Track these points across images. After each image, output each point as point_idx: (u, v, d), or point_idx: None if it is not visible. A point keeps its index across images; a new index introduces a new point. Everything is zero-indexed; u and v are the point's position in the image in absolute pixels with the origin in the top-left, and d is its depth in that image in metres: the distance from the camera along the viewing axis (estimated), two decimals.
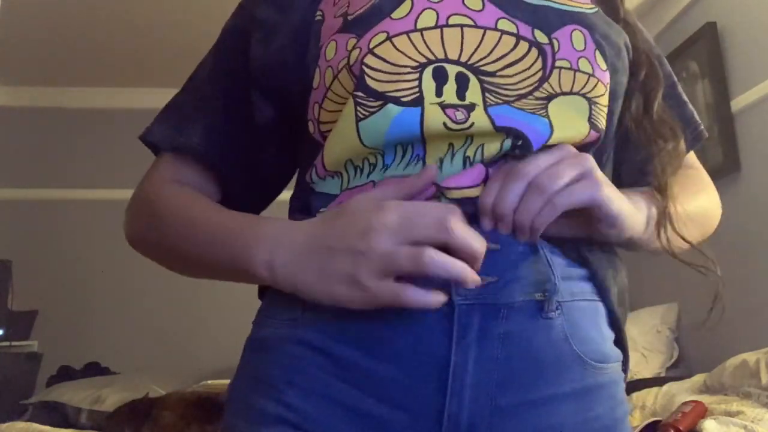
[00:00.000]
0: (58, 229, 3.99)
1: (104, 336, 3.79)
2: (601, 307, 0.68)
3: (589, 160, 0.62)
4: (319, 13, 0.72)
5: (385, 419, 0.61)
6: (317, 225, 0.62)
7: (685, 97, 0.83)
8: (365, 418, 0.61)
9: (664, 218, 0.68)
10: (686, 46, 2.87)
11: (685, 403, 1.80)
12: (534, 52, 0.64)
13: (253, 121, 0.74)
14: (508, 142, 0.62)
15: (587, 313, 0.66)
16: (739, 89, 2.63)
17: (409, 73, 0.63)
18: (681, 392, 2.05)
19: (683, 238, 0.69)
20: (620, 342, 0.70)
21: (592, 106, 0.65)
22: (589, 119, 0.65)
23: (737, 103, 2.62)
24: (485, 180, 0.63)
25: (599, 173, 0.62)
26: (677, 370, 2.75)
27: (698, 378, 2.16)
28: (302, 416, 0.62)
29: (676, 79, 0.82)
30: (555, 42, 0.65)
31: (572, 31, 0.66)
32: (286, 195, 0.82)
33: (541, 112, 0.63)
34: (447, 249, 0.58)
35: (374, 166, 0.64)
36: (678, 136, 0.73)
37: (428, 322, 0.60)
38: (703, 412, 1.74)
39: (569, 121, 0.64)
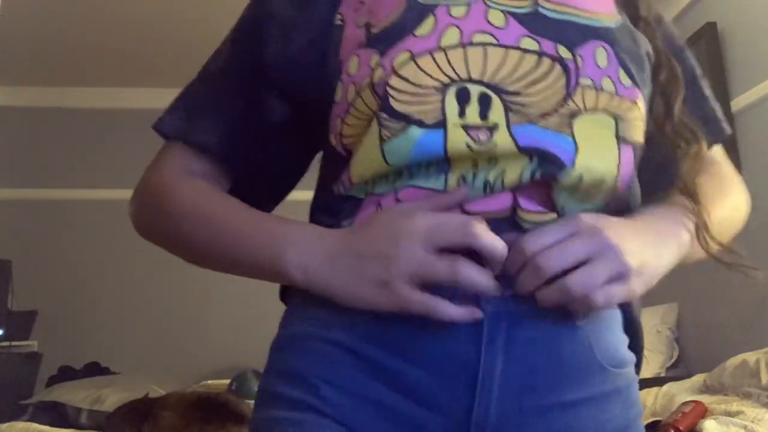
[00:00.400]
0: (58, 229, 3.99)
1: (104, 336, 3.79)
2: (617, 314, 0.69)
3: (622, 259, 0.61)
4: (339, 16, 0.71)
5: (416, 418, 0.63)
6: (349, 232, 0.65)
7: (707, 92, 0.81)
8: (398, 415, 0.63)
9: (700, 228, 0.69)
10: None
11: (685, 403, 1.80)
12: (558, 68, 0.64)
13: (268, 122, 0.75)
14: (527, 173, 0.62)
15: (608, 321, 0.68)
16: (739, 89, 2.63)
17: (432, 94, 0.63)
18: (681, 392, 2.05)
19: (720, 244, 0.70)
20: (635, 345, 0.72)
21: (619, 122, 0.65)
22: (617, 134, 0.65)
23: (737, 103, 2.62)
24: (513, 206, 0.63)
25: (636, 268, 0.62)
26: (677, 370, 2.75)
27: (698, 378, 2.17)
28: (337, 409, 0.64)
29: (700, 72, 0.81)
30: (579, 58, 0.64)
31: (596, 48, 0.65)
32: (292, 195, 0.82)
33: (566, 130, 0.63)
34: (471, 253, 0.61)
35: (400, 175, 0.65)
36: (699, 140, 0.73)
37: (458, 327, 0.62)
38: (703, 412, 1.74)
39: (595, 140, 0.64)
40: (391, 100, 0.63)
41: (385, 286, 0.60)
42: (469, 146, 0.61)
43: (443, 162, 0.63)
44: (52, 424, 2.21)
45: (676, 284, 2.76)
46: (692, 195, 0.70)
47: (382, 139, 0.63)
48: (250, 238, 0.68)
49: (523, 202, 0.63)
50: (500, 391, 0.62)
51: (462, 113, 0.62)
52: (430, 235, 0.60)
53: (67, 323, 3.75)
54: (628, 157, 0.66)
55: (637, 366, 0.72)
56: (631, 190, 0.68)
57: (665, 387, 2.15)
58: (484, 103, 0.63)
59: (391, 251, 0.60)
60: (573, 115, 0.63)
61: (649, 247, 0.64)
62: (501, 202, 0.63)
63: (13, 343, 3.33)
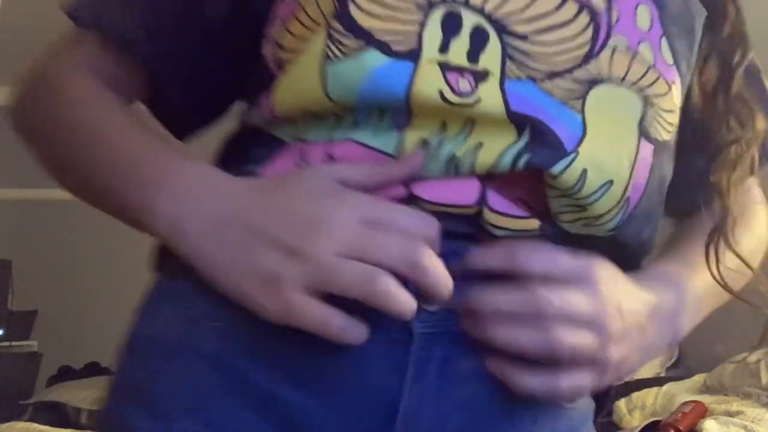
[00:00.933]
0: (58, 229, 3.99)
1: (104, 336, 3.78)
2: None
3: (609, 349, 0.48)
4: None
5: None
6: (252, 193, 0.47)
7: None
8: None
9: (718, 233, 0.55)
10: None
11: (685, 403, 1.80)
12: (584, 17, 0.47)
13: (204, 22, 0.58)
14: (509, 156, 0.46)
15: None
16: None
17: (411, 11, 0.46)
18: (681, 392, 2.06)
19: (741, 258, 0.56)
20: None
21: (647, 108, 0.49)
22: (640, 124, 0.49)
23: None
24: (480, 202, 0.47)
25: (615, 363, 0.48)
26: (677, 370, 2.75)
27: (698, 378, 2.17)
28: None
29: (758, 65, 0.64)
30: (615, 10, 0.48)
31: (638, 4, 0.50)
32: None
33: (575, 103, 0.47)
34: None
35: (340, 121, 0.48)
36: (758, 123, 0.57)
37: (377, 351, 0.46)
38: (703, 412, 1.74)
39: (609, 125, 0.48)
40: (351, 6, 0.46)
41: (276, 287, 0.43)
42: (442, 95, 0.45)
43: (402, 112, 0.46)
44: (52, 424, 2.21)
45: None
46: (721, 195, 0.55)
47: (326, 57, 0.46)
48: (126, 167, 0.51)
49: (493, 199, 0.47)
50: None
51: (445, 47, 0.46)
52: (360, 240, 0.43)
53: (67, 323, 3.75)
54: (647, 158, 0.50)
55: (600, 397, 0.57)
56: (647, 210, 0.52)
57: (665, 387, 2.15)
58: (478, 39, 0.46)
59: (299, 244, 0.43)
60: (590, 82, 0.47)
61: (644, 338, 0.51)
62: (465, 194, 0.47)
63: (13, 343, 3.34)
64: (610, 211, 0.49)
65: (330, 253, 0.43)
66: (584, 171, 0.47)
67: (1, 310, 3.33)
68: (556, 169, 0.46)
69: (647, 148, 0.50)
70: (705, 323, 0.64)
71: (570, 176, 0.46)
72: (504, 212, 0.48)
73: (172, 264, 0.51)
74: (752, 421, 1.61)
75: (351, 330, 0.44)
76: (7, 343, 3.31)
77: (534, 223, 0.49)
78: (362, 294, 0.42)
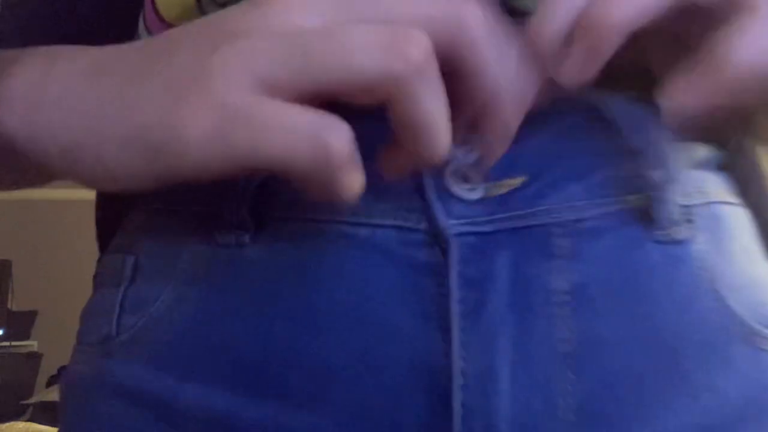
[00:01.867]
0: (58, 229, 4.00)
1: None
2: (746, 217, 0.33)
3: None
4: None
5: None
6: (144, 41, 0.28)
7: None
8: None
9: None
10: None
11: None
12: None
13: None
14: None
15: (736, 231, 0.31)
16: None
17: None
18: None
19: None
20: None
21: None
22: None
23: None
24: None
25: None
26: None
27: None
28: None
29: None
30: None
31: None
32: None
33: None
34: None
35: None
36: None
37: (386, 288, 0.27)
38: None
39: None
40: None
41: (202, 89, 0.24)
42: None
43: None
44: (52, 424, 2.21)
45: None
46: None
47: None
48: None
49: None
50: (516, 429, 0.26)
51: None
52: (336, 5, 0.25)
53: (67, 323, 3.74)
54: None
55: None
56: None
57: None
58: None
59: (241, 24, 0.25)
60: None
61: None
62: None
63: (13, 343, 3.34)
64: None
65: (287, 22, 0.24)
66: None
67: (1, 310, 3.33)
68: None
69: None
70: None
71: None
72: None
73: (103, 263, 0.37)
74: None
75: (350, 153, 0.24)
76: (7, 343, 3.31)
77: None
78: (380, 70, 0.23)
